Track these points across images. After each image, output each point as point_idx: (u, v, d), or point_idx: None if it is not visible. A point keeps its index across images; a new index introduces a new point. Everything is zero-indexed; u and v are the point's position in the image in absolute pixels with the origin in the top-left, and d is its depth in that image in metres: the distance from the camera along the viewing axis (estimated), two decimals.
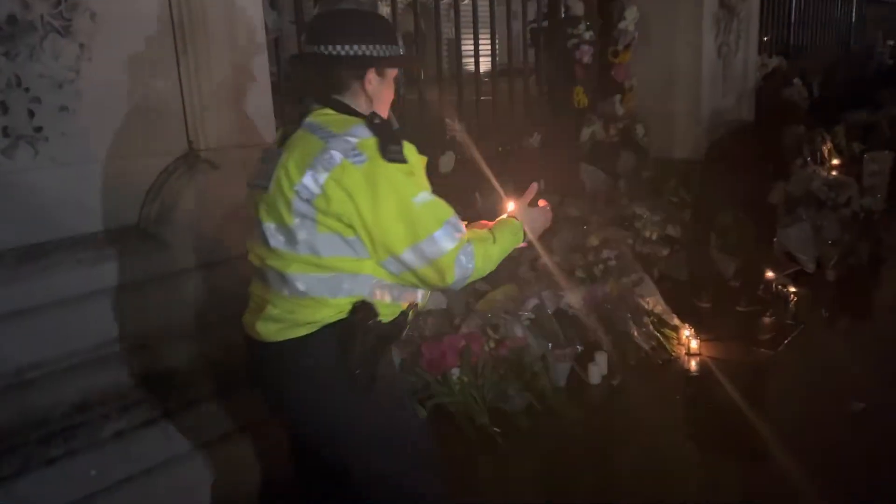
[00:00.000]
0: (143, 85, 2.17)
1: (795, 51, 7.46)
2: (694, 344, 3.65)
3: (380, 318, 1.57)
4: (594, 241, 4.12)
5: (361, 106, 1.61)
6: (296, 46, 3.41)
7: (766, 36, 6.56)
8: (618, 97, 5.08)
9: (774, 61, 6.55)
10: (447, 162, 4.04)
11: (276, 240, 1.54)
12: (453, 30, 4.27)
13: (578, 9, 4.75)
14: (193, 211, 2.28)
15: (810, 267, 4.72)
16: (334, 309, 1.54)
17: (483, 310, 3.39)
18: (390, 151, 1.50)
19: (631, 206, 4.77)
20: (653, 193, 5.07)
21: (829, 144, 6.97)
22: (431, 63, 4.19)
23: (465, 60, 4.45)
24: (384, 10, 3.42)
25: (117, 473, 2.00)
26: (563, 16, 4.81)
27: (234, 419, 2.24)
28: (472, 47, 4.34)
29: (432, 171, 4.09)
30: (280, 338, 1.56)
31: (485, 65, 4.46)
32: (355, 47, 1.57)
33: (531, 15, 4.88)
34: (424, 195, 1.56)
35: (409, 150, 1.55)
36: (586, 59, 4.81)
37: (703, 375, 3.45)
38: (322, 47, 1.58)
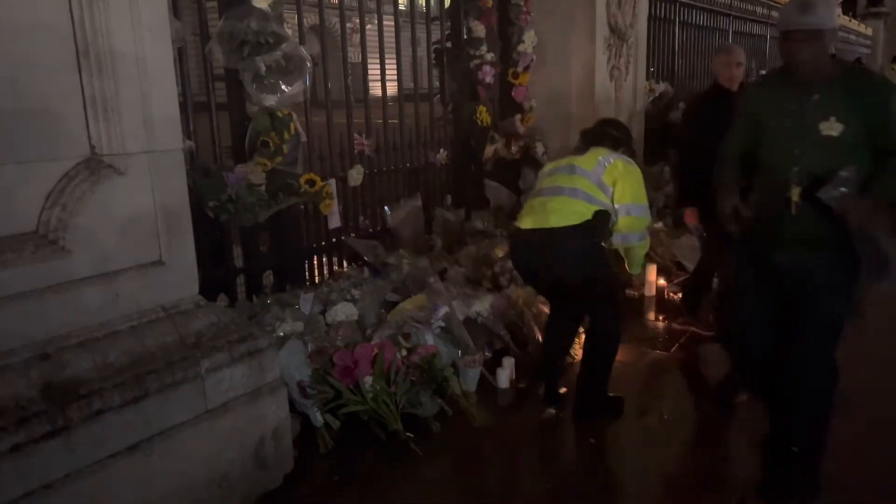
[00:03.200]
0: (42, 87, 2.10)
1: (680, 78, 7.99)
2: None
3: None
4: (499, 252, 4.27)
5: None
6: (199, 57, 3.39)
7: (651, 67, 7.01)
8: (518, 116, 5.29)
9: (661, 86, 7.00)
10: (356, 175, 4.08)
11: (583, 175, 3.00)
12: (359, 54, 4.33)
13: (480, 31, 4.93)
14: (96, 217, 2.22)
15: None
16: (591, 211, 2.94)
17: (394, 320, 3.44)
18: (633, 158, 3.16)
19: None
20: None
21: None
22: (338, 85, 4.22)
23: (371, 84, 4.51)
24: (289, 31, 3.44)
25: (15, 489, 1.90)
26: (465, 37, 4.98)
27: (143, 429, 2.18)
28: (377, 71, 4.42)
29: (341, 184, 4.10)
30: (565, 224, 2.93)
31: (392, 88, 4.55)
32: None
33: (435, 37, 5.02)
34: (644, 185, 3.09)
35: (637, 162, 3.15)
36: (488, 79, 4.99)
37: None
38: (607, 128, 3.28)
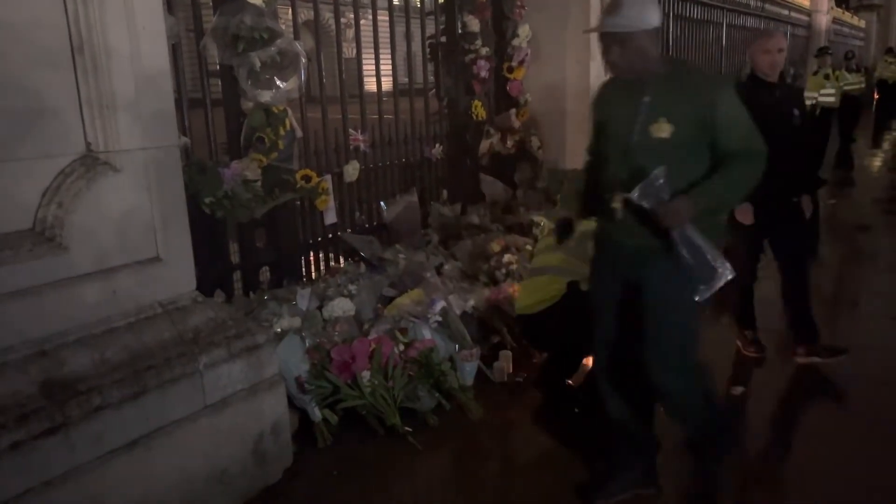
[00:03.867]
0: (37, 84, 2.10)
1: None
2: None
3: None
4: (496, 247, 4.28)
5: None
6: (194, 53, 3.38)
7: None
8: (513, 111, 5.30)
9: None
10: (351, 171, 4.08)
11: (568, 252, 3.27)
12: (353, 49, 4.32)
13: (474, 25, 4.93)
14: (93, 214, 2.22)
15: None
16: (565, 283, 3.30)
17: (391, 314, 3.45)
18: None
19: (528, 214, 4.97)
20: (547, 202, 5.31)
21: None
22: (333, 81, 4.22)
23: (366, 79, 4.51)
24: (283, 27, 3.44)
25: (15, 486, 1.91)
26: (459, 32, 4.98)
27: (142, 425, 2.18)
28: (372, 66, 4.42)
29: (337, 180, 4.10)
30: (549, 304, 3.33)
31: (387, 84, 4.55)
32: None
33: (430, 31, 5.02)
34: None
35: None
36: (483, 73, 5.00)
37: None
38: None
